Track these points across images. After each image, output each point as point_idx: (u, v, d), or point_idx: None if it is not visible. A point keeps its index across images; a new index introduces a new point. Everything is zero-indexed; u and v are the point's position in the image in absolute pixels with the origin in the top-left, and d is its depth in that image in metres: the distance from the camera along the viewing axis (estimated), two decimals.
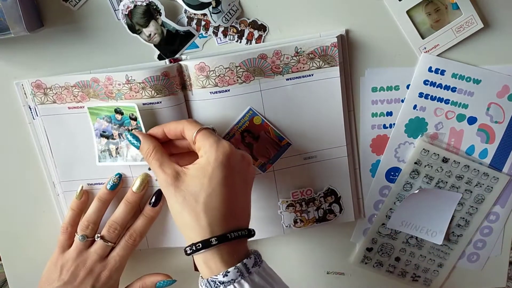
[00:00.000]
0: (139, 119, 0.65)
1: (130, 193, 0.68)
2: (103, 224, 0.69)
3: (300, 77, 0.66)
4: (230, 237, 0.56)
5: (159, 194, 0.69)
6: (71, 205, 0.70)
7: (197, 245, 0.56)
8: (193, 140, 0.59)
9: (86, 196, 0.70)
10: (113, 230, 0.67)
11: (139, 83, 0.63)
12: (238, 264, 0.56)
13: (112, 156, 0.69)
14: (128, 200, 0.68)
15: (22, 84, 0.68)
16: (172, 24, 0.65)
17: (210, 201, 0.57)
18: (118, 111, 0.66)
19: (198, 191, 0.57)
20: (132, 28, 0.66)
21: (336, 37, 0.64)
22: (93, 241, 0.68)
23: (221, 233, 0.56)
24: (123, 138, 0.67)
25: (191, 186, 0.58)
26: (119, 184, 0.69)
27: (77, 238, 0.67)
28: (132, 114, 0.65)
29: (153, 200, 0.69)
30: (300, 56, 0.64)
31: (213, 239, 0.56)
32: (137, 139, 0.63)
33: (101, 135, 0.68)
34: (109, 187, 0.68)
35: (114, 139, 0.68)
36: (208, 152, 0.58)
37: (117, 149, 0.68)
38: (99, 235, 0.67)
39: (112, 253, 0.68)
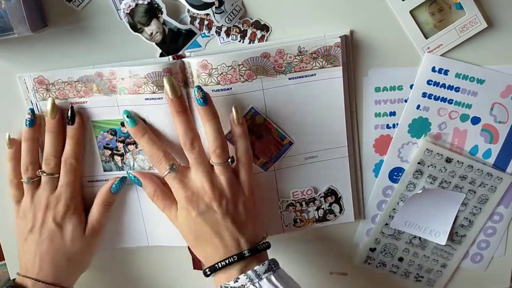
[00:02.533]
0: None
1: (48, 122, 0.67)
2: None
3: (302, 76, 0.66)
4: (218, 267, 0.63)
5: (72, 111, 0.67)
6: (7, 158, 0.69)
7: (206, 270, 0.64)
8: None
9: (16, 144, 0.69)
10: (49, 162, 0.67)
11: (142, 78, 0.63)
12: (248, 271, 0.61)
13: (118, 166, 0.69)
14: (49, 130, 0.67)
15: (24, 79, 0.68)
16: (174, 23, 0.65)
17: (198, 241, 0.65)
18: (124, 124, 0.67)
19: (186, 233, 0.66)
20: (134, 27, 0.66)
21: (340, 37, 0.64)
22: (39, 181, 0.69)
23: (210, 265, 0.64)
24: (128, 149, 0.68)
25: (183, 229, 0.66)
26: (36, 120, 0.68)
27: (24, 183, 0.68)
28: None
29: (69, 118, 0.67)
30: (303, 56, 0.64)
31: (207, 269, 0.64)
32: (139, 180, 0.68)
33: (105, 147, 0.69)
34: (27, 124, 0.67)
35: (119, 151, 0.68)
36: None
37: (122, 159, 0.69)
38: (39, 171, 0.68)
39: (59, 183, 0.68)
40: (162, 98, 0.64)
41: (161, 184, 0.68)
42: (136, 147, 0.68)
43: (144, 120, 0.66)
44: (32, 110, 0.68)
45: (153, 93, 0.64)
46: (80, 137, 0.68)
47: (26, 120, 0.67)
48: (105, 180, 0.71)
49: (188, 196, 0.63)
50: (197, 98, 0.62)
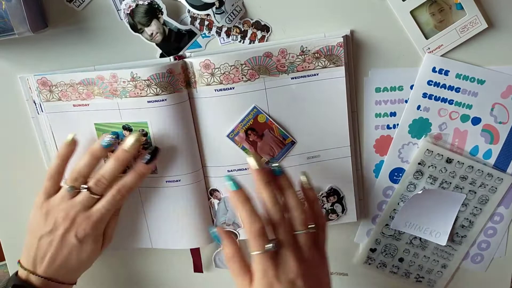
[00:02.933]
0: (150, 134, 0.66)
1: (121, 151, 0.66)
2: None
3: (305, 76, 0.66)
4: None
5: (154, 152, 0.66)
6: (58, 154, 0.67)
7: None
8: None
9: (74, 145, 0.68)
10: (101, 184, 0.66)
11: (144, 80, 0.63)
12: None
13: None
14: (119, 157, 0.66)
15: (27, 79, 0.68)
16: (174, 23, 0.65)
17: None
18: (126, 127, 0.67)
19: None
20: (134, 27, 0.66)
21: (342, 37, 0.64)
22: (79, 192, 0.66)
23: None
24: None
25: None
26: (113, 143, 0.67)
27: (65, 188, 0.66)
28: (143, 130, 0.65)
29: (147, 157, 0.66)
30: (305, 55, 0.64)
31: None
32: (219, 239, 0.64)
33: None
34: (104, 144, 0.66)
35: None
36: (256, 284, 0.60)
37: None
38: (85, 186, 0.66)
39: (97, 205, 0.66)
40: (166, 100, 0.64)
41: (239, 249, 0.64)
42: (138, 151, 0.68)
43: (146, 125, 0.66)
44: (117, 135, 0.67)
45: (156, 95, 0.64)
46: (145, 176, 0.67)
47: (105, 140, 0.66)
48: None
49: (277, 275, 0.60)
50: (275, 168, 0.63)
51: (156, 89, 0.64)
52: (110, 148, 0.67)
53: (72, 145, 0.67)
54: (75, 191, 0.66)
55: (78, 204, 0.66)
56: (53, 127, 0.69)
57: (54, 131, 0.69)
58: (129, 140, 0.65)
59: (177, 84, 0.64)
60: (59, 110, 0.68)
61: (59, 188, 0.68)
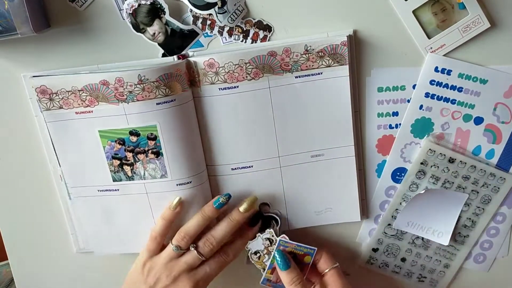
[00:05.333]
0: (160, 138, 0.65)
1: (236, 212, 0.68)
2: None
3: (309, 75, 0.66)
4: None
5: (257, 217, 0.71)
6: (163, 215, 0.68)
7: None
8: (322, 273, 0.68)
9: (180, 208, 0.68)
10: (209, 244, 0.67)
11: (153, 82, 0.63)
12: None
13: (128, 176, 0.68)
14: (232, 219, 0.68)
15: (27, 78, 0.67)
16: (176, 23, 0.65)
17: None
18: (133, 132, 0.66)
19: None
20: (137, 27, 0.65)
21: (346, 36, 0.64)
22: (184, 252, 0.67)
23: None
24: (138, 159, 0.67)
25: None
26: (226, 204, 0.68)
27: (171, 247, 0.67)
28: (151, 133, 0.65)
29: (255, 222, 0.71)
30: (309, 54, 0.64)
31: None
32: (286, 265, 0.67)
33: (113, 157, 0.68)
34: (216, 205, 0.67)
35: (128, 160, 0.67)
36: None
37: (132, 169, 0.68)
38: (194, 245, 0.67)
39: (204, 266, 0.67)
40: (174, 100, 0.64)
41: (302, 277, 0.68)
42: (146, 156, 0.67)
43: (155, 128, 0.65)
44: (229, 196, 0.68)
45: (166, 95, 0.63)
46: (250, 238, 0.70)
47: (217, 201, 0.67)
48: (115, 190, 0.69)
49: None
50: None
51: (165, 89, 0.63)
52: (221, 210, 0.68)
53: (177, 207, 0.68)
54: (181, 251, 0.67)
55: (183, 264, 0.67)
56: (55, 137, 0.68)
57: (56, 142, 0.68)
58: (245, 203, 0.68)
59: (185, 83, 0.64)
60: (60, 119, 0.66)
61: (163, 247, 0.69)
